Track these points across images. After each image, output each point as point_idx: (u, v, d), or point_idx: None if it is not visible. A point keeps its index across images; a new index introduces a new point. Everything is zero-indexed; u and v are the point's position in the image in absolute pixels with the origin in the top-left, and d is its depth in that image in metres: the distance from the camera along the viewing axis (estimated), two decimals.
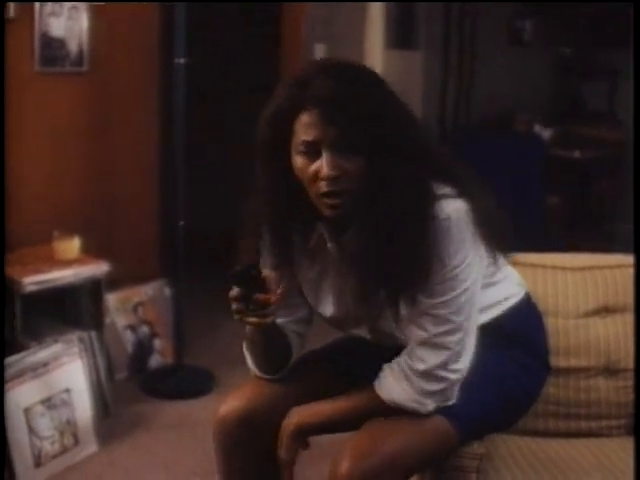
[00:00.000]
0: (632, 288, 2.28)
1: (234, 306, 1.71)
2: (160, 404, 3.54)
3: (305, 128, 1.68)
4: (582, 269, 2.33)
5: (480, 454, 1.89)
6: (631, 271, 2.30)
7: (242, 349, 1.98)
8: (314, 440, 1.89)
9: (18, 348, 3.05)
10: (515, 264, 2.06)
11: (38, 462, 2.91)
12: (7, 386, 2.85)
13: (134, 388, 3.67)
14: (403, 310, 1.77)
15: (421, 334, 1.76)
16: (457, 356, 1.77)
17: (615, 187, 5.80)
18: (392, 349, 1.84)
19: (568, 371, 2.25)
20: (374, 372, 1.84)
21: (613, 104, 6.29)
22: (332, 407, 1.86)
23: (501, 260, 1.93)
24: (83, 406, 3.10)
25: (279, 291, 1.73)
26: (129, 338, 3.82)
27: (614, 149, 5.79)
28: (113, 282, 3.56)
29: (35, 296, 3.19)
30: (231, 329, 3.17)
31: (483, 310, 1.88)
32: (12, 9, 3.31)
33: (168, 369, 3.81)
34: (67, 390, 3.05)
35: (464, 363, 1.78)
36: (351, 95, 1.66)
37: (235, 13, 5.36)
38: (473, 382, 1.80)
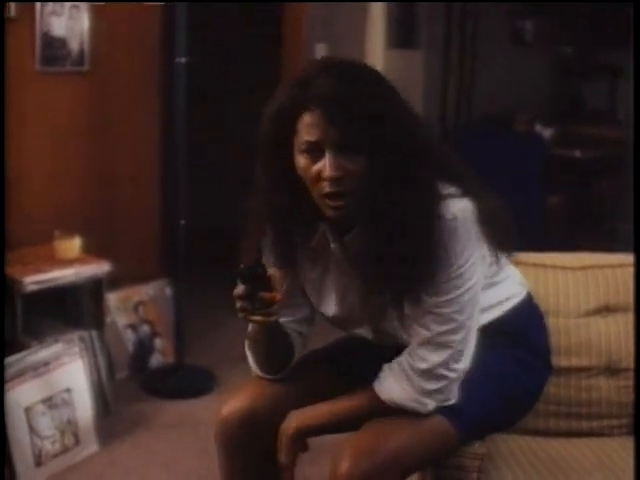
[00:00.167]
0: (633, 287, 2.28)
1: (239, 304, 1.71)
2: (161, 403, 3.54)
3: (308, 128, 1.68)
4: (583, 268, 2.33)
5: (481, 454, 1.89)
6: (632, 270, 2.30)
7: (243, 348, 1.98)
8: (314, 440, 1.89)
9: (19, 347, 3.05)
10: (516, 263, 2.06)
11: (39, 461, 2.91)
12: (8, 385, 2.85)
13: (135, 387, 3.67)
14: (407, 310, 1.76)
15: (424, 333, 1.76)
16: (459, 355, 1.77)
17: (615, 186, 5.80)
18: (394, 349, 1.84)
19: (569, 370, 2.25)
20: (376, 372, 1.84)
21: (613, 103, 6.30)
22: (331, 409, 1.86)
23: (503, 260, 1.93)
24: (84, 405, 3.10)
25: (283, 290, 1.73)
26: (130, 337, 3.82)
27: (614, 148, 5.79)
28: (114, 281, 3.56)
29: (36, 296, 3.19)
30: (232, 328, 3.18)
31: (485, 310, 1.88)
32: (13, 8, 3.31)
33: (169, 368, 3.81)
34: (68, 389, 3.05)
35: (465, 363, 1.78)
36: (354, 95, 1.65)
37: (236, 13, 5.36)
38: (473, 381, 1.80)
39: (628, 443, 2.14)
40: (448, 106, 5.78)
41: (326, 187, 1.68)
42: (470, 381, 1.80)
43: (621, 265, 2.33)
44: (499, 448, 2.11)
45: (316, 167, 1.69)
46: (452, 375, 1.77)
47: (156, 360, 3.89)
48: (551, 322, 2.17)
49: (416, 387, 1.77)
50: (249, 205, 1.84)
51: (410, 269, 1.69)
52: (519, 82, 5.95)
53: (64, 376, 3.05)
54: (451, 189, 1.73)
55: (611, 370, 2.27)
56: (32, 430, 2.91)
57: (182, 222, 3.59)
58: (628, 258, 2.33)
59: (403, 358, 1.80)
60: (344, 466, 1.71)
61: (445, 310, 1.74)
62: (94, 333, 3.40)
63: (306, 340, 1.99)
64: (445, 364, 1.76)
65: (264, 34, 5.11)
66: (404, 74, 5.19)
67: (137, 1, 3.71)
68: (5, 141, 3.29)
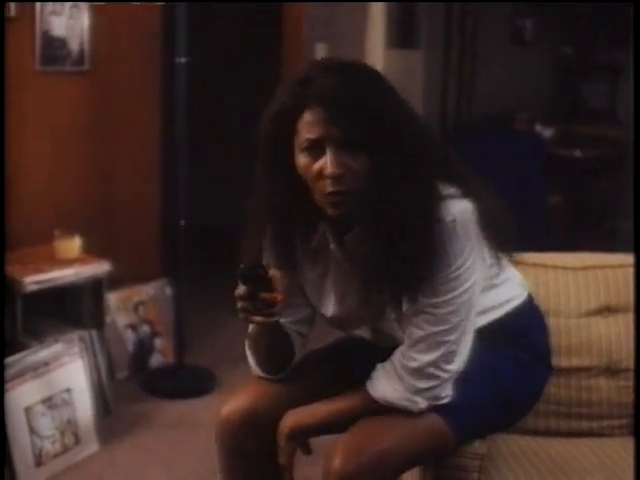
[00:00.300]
0: (633, 287, 2.28)
1: (240, 305, 1.70)
2: (161, 403, 3.54)
3: (308, 126, 1.68)
4: (584, 268, 2.33)
5: (481, 453, 1.89)
6: (632, 270, 2.30)
7: (243, 348, 1.98)
8: (315, 441, 1.89)
9: (19, 347, 3.05)
10: (517, 264, 2.06)
11: (39, 461, 2.91)
12: (8, 386, 2.85)
13: (135, 387, 3.67)
14: (405, 310, 1.76)
15: (417, 332, 1.76)
16: (451, 356, 1.76)
17: (615, 186, 5.81)
18: (393, 349, 1.84)
19: (569, 370, 2.25)
20: None
21: (614, 103, 6.30)
22: (326, 408, 1.86)
23: (504, 261, 1.93)
24: (84, 405, 3.10)
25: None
26: (130, 337, 3.82)
27: (615, 148, 5.80)
28: (114, 281, 3.56)
29: (36, 295, 3.19)
30: (232, 328, 3.18)
31: (486, 312, 1.88)
32: (13, 8, 3.30)
33: (169, 368, 3.81)
34: (68, 389, 3.05)
35: (458, 364, 1.78)
36: (354, 93, 1.65)
37: (236, 13, 5.37)
38: (470, 381, 1.80)
39: (628, 443, 2.13)
40: (448, 106, 5.77)
41: (328, 185, 1.68)
42: (466, 380, 1.80)
43: (622, 265, 2.33)
44: (499, 448, 2.11)
45: (317, 165, 1.68)
46: (443, 375, 1.77)
47: (156, 360, 3.89)
48: (552, 322, 2.17)
49: (407, 386, 1.77)
50: (249, 205, 1.84)
51: (409, 270, 1.69)
52: (519, 82, 5.95)
53: (64, 376, 3.05)
54: (451, 190, 1.73)
55: (611, 370, 2.26)
56: (32, 430, 2.91)
57: (182, 222, 3.59)
58: (629, 258, 2.33)
59: (395, 357, 1.81)
60: (336, 463, 1.71)
61: (441, 311, 1.74)
62: (94, 333, 3.40)
63: (306, 340, 1.99)
64: (436, 364, 1.76)
65: (264, 34, 5.12)
66: (404, 74, 5.19)
67: (137, 1, 3.71)
68: (5, 141, 3.28)
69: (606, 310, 2.29)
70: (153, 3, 3.81)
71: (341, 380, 1.93)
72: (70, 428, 3.04)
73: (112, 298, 3.72)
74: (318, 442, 1.88)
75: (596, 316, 2.29)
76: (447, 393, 1.79)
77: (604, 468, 2.05)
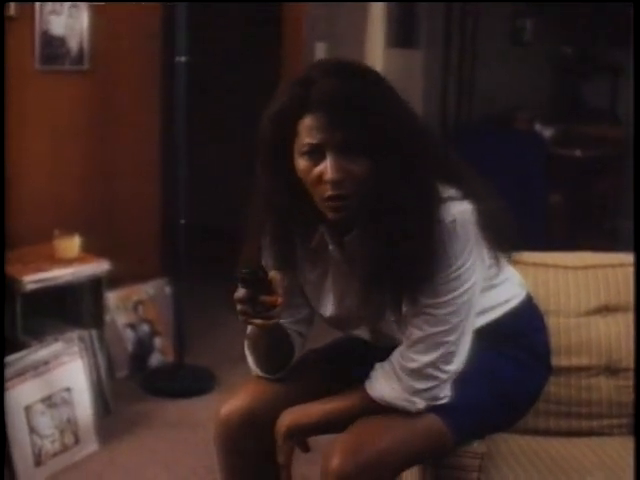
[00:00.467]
0: (633, 287, 2.27)
1: (239, 308, 1.70)
2: (161, 403, 3.54)
3: (309, 130, 1.67)
4: (584, 268, 2.33)
5: (481, 453, 1.89)
6: (632, 270, 2.30)
7: (243, 348, 1.98)
8: (313, 439, 1.89)
9: (19, 347, 3.05)
10: (517, 263, 2.05)
11: (38, 461, 2.91)
12: (8, 385, 2.85)
13: (134, 387, 3.67)
14: (404, 311, 1.76)
15: (417, 333, 1.76)
16: (450, 356, 1.76)
17: (616, 186, 5.81)
18: (391, 349, 1.83)
19: (569, 370, 2.25)
20: None
21: (614, 103, 6.30)
22: (324, 407, 1.86)
23: (503, 261, 1.93)
24: (83, 405, 3.10)
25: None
26: (129, 337, 3.82)
27: (615, 147, 5.79)
28: (113, 281, 3.56)
29: (36, 295, 3.19)
30: (232, 328, 3.17)
31: (484, 312, 1.88)
32: (13, 7, 3.30)
33: (169, 368, 3.81)
34: (67, 389, 3.05)
35: (457, 364, 1.78)
36: (356, 98, 1.64)
37: (236, 12, 5.36)
38: (468, 381, 1.80)
39: (628, 443, 2.13)
40: (448, 106, 5.78)
41: (328, 190, 1.67)
42: (465, 380, 1.80)
43: (621, 265, 2.33)
44: (499, 448, 2.11)
45: (317, 170, 1.68)
46: (442, 376, 1.77)
47: (156, 359, 3.89)
48: (551, 321, 2.17)
49: (405, 386, 1.77)
50: (249, 205, 1.83)
51: (409, 270, 1.69)
52: (519, 82, 5.95)
53: (64, 375, 3.05)
54: (451, 191, 1.73)
55: (611, 370, 2.27)
56: (32, 429, 2.91)
57: (182, 221, 3.59)
58: (628, 258, 2.33)
59: (394, 357, 1.81)
60: (335, 462, 1.71)
61: (440, 311, 1.74)
62: (94, 332, 3.40)
63: (305, 340, 1.99)
64: (434, 364, 1.76)
65: (264, 33, 5.11)
66: (404, 73, 5.19)
67: (137, 0, 3.71)
68: (5, 140, 3.28)
69: (606, 309, 2.30)
70: (153, 2, 3.81)
71: (340, 380, 1.93)
72: (70, 427, 3.04)
73: (112, 297, 3.72)
74: (316, 441, 1.88)
75: (596, 315, 2.29)
76: (445, 394, 1.79)
77: (604, 467, 2.05)
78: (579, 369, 2.26)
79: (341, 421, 1.81)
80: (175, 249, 3.65)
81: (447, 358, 1.76)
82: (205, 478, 2.92)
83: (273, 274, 1.72)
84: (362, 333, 1.95)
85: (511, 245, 1.90)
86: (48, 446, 2.95)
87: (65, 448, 3.01)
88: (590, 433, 2.25)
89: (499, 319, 1.93)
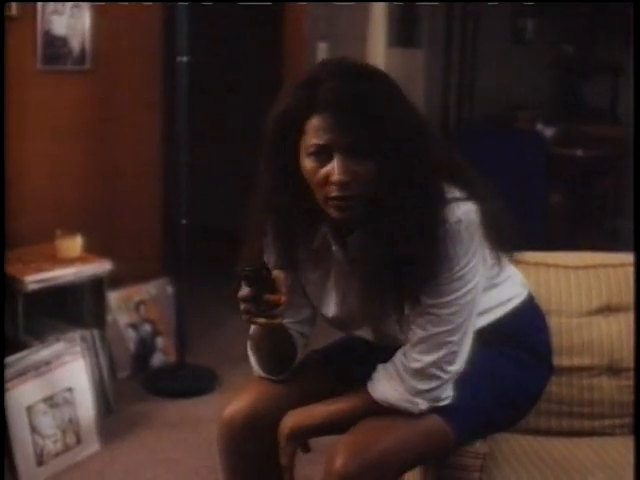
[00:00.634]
0: (633, 287, 2.28)
1: (243, 307, 1.70)
2: (162, 403, 3.54)
3: (316, 131, 1.67)
4: (586, 268, 2.33)
5: (483, 453, 1.89)
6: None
7: (244, 348, 1.98)
8: (316, 440, 1.89)
9: (20, 347, 3.05)
10: (518, 263, 2.06)
11: (40, 460, 2.92)
12: (10, 385, 2.86)
13: (136, 387, 3.67)
14: (407, 311, 1.76)
15: (420, 333, 1.76)
16: (453, 356, 1.77)
17: (616, 185, 5.81)
18: (394, 350, 1.84)
19: (571, 370, 2.25)
20: None
21: (615, 102, 6.30)
22: (327, 409, 1.86)
23: (504, 261, 1.93)
24: (85, 405, 3.10)
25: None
26: (131, 336, 3.82)
27: (616, 147, 5.79)
28: (115, 280, 3.56)
29: (37, 295, 3.19)
30: (233, 327, 3.18)
31: (486, 311, 1.88)
32: (14, 7, 3.31)
33: (170, 367, 3.81)
34: (69, 389, 3.05)
35: (459, 364, 1.78)
36: (364, 99, 1.64)
37: (237, 12, 5.36)
38: (470, 381, 1.81)
39: (630, 443, 2.13)
40: (450, 105, 5.78)
41: (333, 191, 1.67)
42: (467, 381, 1.80)
43: (623, 264, 2.33)
44: (501, 448, 2.11)
45: (324, 170, 1.68)
46: (444, 376, 1.77)
47: (157, 359, 3.89)
48: (553, 321, 2.17)
49: (407, 387, 1.77)
50: (251, 205, 1.83)
51: (412, 271, 1.69)
52: (520, 81, 5.96)
53: (65, 375, 3.05)
54: (456, 192, 1.73)
55: (613, 369, 2.27)
56: (34, 429, 2.91)
57: (183, 221, 3.60)
58: (630, 257, 2.33)
59: (397, 358, 1.81)
60: (338, 463, 1.71)
61: (443, 311, 1.74)
62: (95, 332, 3.40)
63: (308, 341, 1.99)
64: (438, 364, 1.76)
65: (265, 33, 5.12)
66: (405, 73, 5.19)
67: (138, 1, 3.71)
68: (6, 140, 3.29)
69: (607, 309, 2.29)
70: (154, 2, 3.82)
71: (342, 380, 1.93)
72: (71, 427, 3.04)
73: (113, 297, 3.73)
74: (319, 441, 1.88)
75: (597, 315, 2.29)
76: (447, 394, 1.79)
77: (606, 467, 2.05)
78: (581, 369, 2.26)
79: (344, 423, 1.81)
80: (176, 249, 3.65)
81: (450, 358, 1.76)
82: (207, 478, 2.92)
83: (277, 273, 1.72)
84: (364, 333, 1.94)
85: (513, 245, 1.91)
86: (50, 446, 2.95)
87: (67, 448, 3.01)
88: (592, 433, 2.25)
89: (501, 319, 1.93)
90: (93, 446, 3.10)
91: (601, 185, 5.86)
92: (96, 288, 3.45)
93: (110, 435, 3.19)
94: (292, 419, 1.85)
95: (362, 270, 1.76)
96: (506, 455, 2.09)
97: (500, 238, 1.82)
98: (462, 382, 1.80)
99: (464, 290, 1.73)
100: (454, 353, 1.76)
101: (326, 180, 1.68)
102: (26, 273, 3.16)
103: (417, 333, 1.76)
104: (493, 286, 1.91)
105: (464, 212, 1.71)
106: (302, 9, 4.61)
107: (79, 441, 3.06)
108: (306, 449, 1.89)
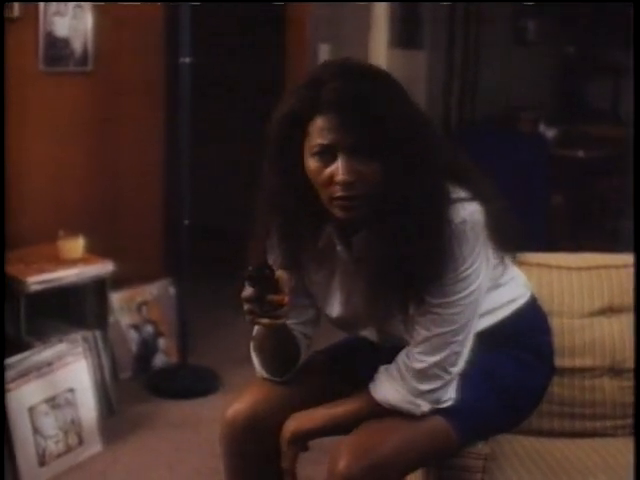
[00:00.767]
0: (633, 287, 2.27)
1: (246, 307, 1.70)
2: (164, 403, 3.54)
3: (321, 131, 1.67)
4: (587, 269, 2.33)
5: (485, 454, 1.89)
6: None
7: (247, 349, 1.98)
8: (318, 440, 1.89)
9: (22, 347, 3.05)
10: (520, 264, 2.06)
11: (42, 461, 2.92)
12: (11, 385, 2.86)
13: (138, 387, 3.68)
14: (412, 311, 1.77)
15: (423, 333, 1.76)
16: (456, 357, 1.77)
17: (618, 186, 5.80)
18: (398, 350, 1.84)
19: (573, 371, 2.25)
20: None
21: (616, 103, 6.30)
22: (329, 412, 1.86)
23: (507, 261, 1.93)
24: (87, 406, 3.10)
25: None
26: (133, 337, 3.82)
27: (617, 148, 5.79)
28: (117, 281, 3.56)
29: (39, 296, 3.19)
30: (236, 328, 3.18)
31: (489, 312, 1.88)
32: (16, 8, 3.31)
33: (172, 368, 3.81)
34: (71, 389, 3.06)
35: (460, 365, 1.78)
36: (367, 99, 1.64)
37: (239, 13, 5.36)
38: (472, 382, 1.81)
39: (632, 444, 2.13)
40: (452, 106, 5.78)
41: (338, 191, 1.67)
42: (469, 382, 1.80)
43: (625, 265, 2.33)
44: (503, 449, 2.11)
45: (328, 170, 1.68)
46: (446, 376, 1.77)
47: (160, 360, 3.89)
48: (555, 322, 2.17)
49: (409, 388, 1.77)
50: (255, 206, 1.83)
51: (417, 272, 1.69)
52: (522, 82, 5.96)
53: (68, 376, 3.06)
54: (460, 192, 1.73)
55: (615, 370, 2.27)
56: (36, 430, 2.91)
57: (186, 222, 3.60)
58: (632, 258, 2.32)
59: (400, 359, 1.81)
60: (341, 465, 1.71)
61: (447, 311, 1.74)
62: (98, 333, 3.40)
63: (311, 341, 1.99)
64: (441, 365, 1.76)
65: (268, 34, 5.11)
66: (407, 74, 5.18)
67: (141, 1, 3.71)
68: (8, 141, 3.29)
69: (609, 310, 2.30)
70: (156, 3, 3.82)
71: (346, 381, 1.93)
72: (73, 428, 3.04)
73: (115, 298, 3.73)
74: (321, 442, 1.88)
75: (599, 316, 2.29)
76: (449, 396, 1.79)
77: (607, 469, 2.05)
78: (583, 370, 2.26)
79: (347, 424, 1.81)
80: (178, 249, 3.65)
81: (453, 359, 1.76)
82: (209, 479, 2.92)
83: (280, 273, 1.72)
84: (369, 334, 1.94)
85: (515, 245, 1.91)
86: (52, 447, 2.96)
87: (69, 449, 3.02)
88: (594, 434, 2.25)
89: (504, 320, 1.93)
90: (95, 447, 3.10)
91: (603, 186, 5.86)
92: (98, 289, 3.45)
93: (112, 436, 3.19)
94: (294, 423, 1.86)
95: (367, 270, 1.76)
96: (508, 456, 2.09)
97: (503, 238, 1.82)
98: (464, 383, 1.80)
99: (468, 290, 1.73)
100: (457, 354, 1.76)
101: (330, 180, 1.68)
102: (28, 274, 3.16)
103: (421, 333, 1.76)
104: (497, 287, 1.92)
105: (469, 212, 1.71)
106: (304, 10, 4.61)
107: (81, 442, 3.06)
108: (304, 448, 1.89)
